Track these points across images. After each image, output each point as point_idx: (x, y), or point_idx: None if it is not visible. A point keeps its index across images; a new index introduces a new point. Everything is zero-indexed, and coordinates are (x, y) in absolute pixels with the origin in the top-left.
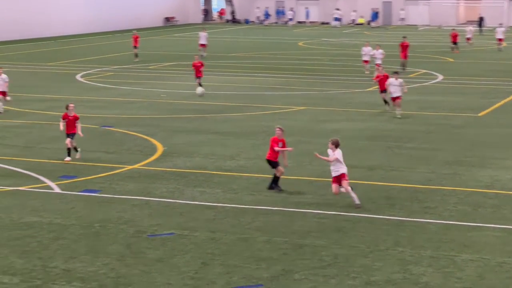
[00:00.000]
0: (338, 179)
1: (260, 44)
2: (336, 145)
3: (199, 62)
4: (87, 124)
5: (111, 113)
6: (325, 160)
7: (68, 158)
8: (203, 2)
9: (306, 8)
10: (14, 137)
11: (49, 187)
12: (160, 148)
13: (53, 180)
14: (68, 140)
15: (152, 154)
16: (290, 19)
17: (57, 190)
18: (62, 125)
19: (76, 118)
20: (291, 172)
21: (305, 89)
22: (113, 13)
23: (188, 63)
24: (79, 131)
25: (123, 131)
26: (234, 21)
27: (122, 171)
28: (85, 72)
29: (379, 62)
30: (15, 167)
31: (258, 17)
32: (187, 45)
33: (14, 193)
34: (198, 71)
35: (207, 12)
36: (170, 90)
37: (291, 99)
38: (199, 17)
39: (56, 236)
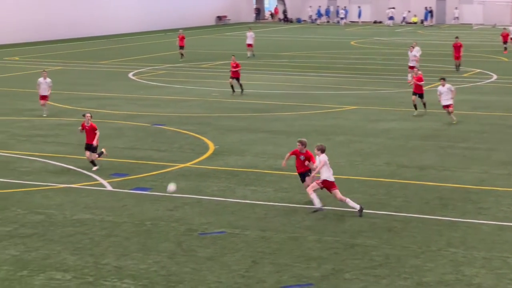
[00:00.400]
0: (324, 184)
1: (312, 43)
2: (322, 150)
3: (235, 63)
4: (139, 122)
5: (163, 112)
6: (313, 170)
7: (95, 168)
8: (255, 1)
9: (359, 7)
10: (67, 135)
11: (101, 185)
12: (211, 147)
13: (105, 178)
14: (87, 154)
15: (203, 153)
16: (342, 18)
17: (109, 187)
18: (79, 132)
19: (93, 128)
20: (342, 172)
21: (357, 88)
22: (165, 12)
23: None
24: (94, 141)
25: (175, 129)
26: (286, 20)
27: (173, 169)
28: (137, 71)
29: (412, 64)
30: (68, 164)
31: (310, 16)
32: (238, 44)
33: (67, 191)
34: (234, 71)
35: (259, 11)
36: (221, 89)
37: (343, 98)
38: (251, 16)
39: (108, 234)
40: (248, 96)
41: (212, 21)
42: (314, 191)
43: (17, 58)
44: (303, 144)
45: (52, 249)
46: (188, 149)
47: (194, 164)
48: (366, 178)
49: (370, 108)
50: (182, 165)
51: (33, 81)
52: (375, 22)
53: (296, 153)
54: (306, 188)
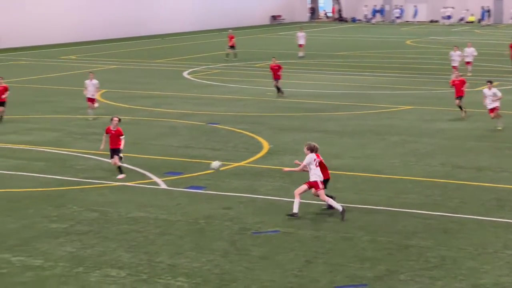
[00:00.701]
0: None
1: (367, 42)
2: (311, 150)
3: (277, 65)
4: (193, 121)
5: (217, 111)
6: (293, 171)
7: (121, 176)
8: (310, 0)
9: (415, 6)
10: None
11: (155, 183)
12: (266, 146)
13: (159, 176)
14: (114, 160)
15: (257, 152)
16: (397, 17)
17: (163, 186)
18: (104, 141)
19: (119, 133)
20: (396, 172)
21: (412, 88)
22: (220, 11)
23: (293, 61)
24: (122, 147)
25: (229, 128)
26: (341, 19)
27: (227, 168)
28: (192, 70)
29: (456, 64)
30: (123, 163)
31: (365, 16)
32: (292, 43)
33: (121, 189)
34: (275, 74)
35: (313, 10)
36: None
37: (398, 98)
38: (305, 16)
39: (162, 232)
40: (302, 95)
41: (266, 21)
42: (300, 194)
43: (73, 57)
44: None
45: (108, 246)
46: (242, 148)
47: (248, 163)
48: (421, 179)
49: (426, 108)
50: (237, 164)
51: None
52: (431, 21)
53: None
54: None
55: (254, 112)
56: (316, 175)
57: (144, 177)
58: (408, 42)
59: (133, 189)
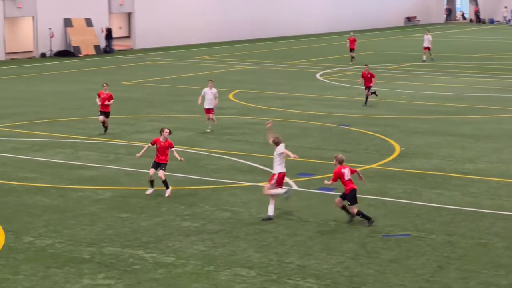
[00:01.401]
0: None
1: (506, 45)
2: (276, 143)
3: (369, 73)
4: (325, 123)
5: (349, 112)
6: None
7: (150, 191)
8: (446, 1)
9: None
10: (254, 133)
11: (287, 184)
12: (397, 149)
13: (290, 177)
14: (161, 173)
15: (389, 154)
16: None
17: (294, 187)
18: (144, 150)
19: (169, 145)
20: None
21: None
22: (354, 13)
23: (427, 63)
24: (177, 156)
25: (361, 130)
26: (478, 21)
27: (358, 170)
28: (325, 71)
29: None
30: (254, 163)
31: (504, 17)
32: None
33: (253, 189)
34: (368, 81)
35: (450, 12)
36: (409, 91)
37: None
38: (441, 17)
39: (293, 232)
40: (436, 98)
41: (401, 22)
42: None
43: (207, 57)
44: (337, 160)
45: (238, 246)
46: (374, 150)
47: (380, 165)
48: None
49: None
50: (368, 166)
51: (222, 79)
52: None
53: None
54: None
55: (386, 114)
56: (276, 167)
57: None
58: None
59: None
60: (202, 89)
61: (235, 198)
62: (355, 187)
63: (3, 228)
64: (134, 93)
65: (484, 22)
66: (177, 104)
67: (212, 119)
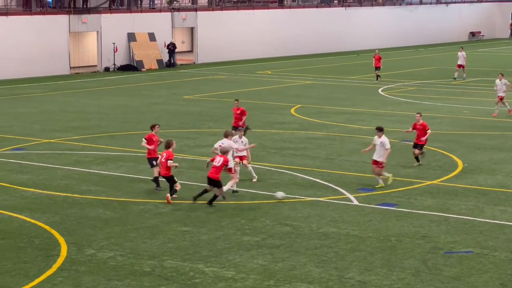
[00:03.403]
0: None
1: None
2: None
3: (422, 124)
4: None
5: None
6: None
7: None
8: (511, 16)
9: None
10: (316, 148)
11: (347, 199)
12: (460, 165)
13: (351, 192)
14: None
15: (452, 170)
16: None
17: (355, 202)
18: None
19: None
20: None
21: None
22: (417, 28)
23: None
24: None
25: None
26: None
27: (420, 186)
28: (387, 86)
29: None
30: (315, 178)
31: None
32: (491, 60)
33: (314, 204)
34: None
35: None
36: (472, 106)
37: None
38: (506, 32)
39: (353, 248)
40: (500, 114)
41: (465, 37)
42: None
43: (269, 72)
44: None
45: (298, 261)
46: (436, 166)
47: (442, 181)
48: None
49: None
50: (429, 182)
51: (284, 94)
52: None
53: None
54: None
55: (449, 130)
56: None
57: (336, 192)
58: None
59: (325, 204)
60: (264, 103)
61: (296, 212)
62: None
63: (65, 241)
64: (195, 107)
65: None
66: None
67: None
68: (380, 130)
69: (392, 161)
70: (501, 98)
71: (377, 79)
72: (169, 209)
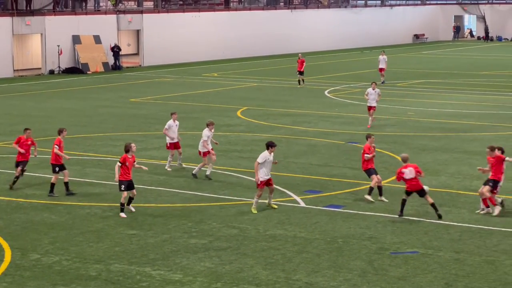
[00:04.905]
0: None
1: None
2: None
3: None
4: (333, 140)
5: (357, 130)
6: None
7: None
8: (454, 18)
9: None
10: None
11: (294, 201)
12: None
13: (298, 194)
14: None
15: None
16: None
17: (302, 204)
18: (117, 171)
19: (134, 160)
20: None
21: None
22: (362, 30)
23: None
24: (142, 167)
25: None
26: (487, 38)
27: (366, 187)
28: (333, 88)
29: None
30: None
31: None
32: (435, 62)
33: (260, 206)
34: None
35: (458, 29)
36: (417, 108)
37: None
38: (449, 34)
39: (300, 250)
40: (444, 115)
41: (409, 39)
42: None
43: (215, 74)
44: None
45: (245, 263)
46: (382, 167)
47: (388, 182)
48: None
49: None
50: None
51: (230, 96)
52: None
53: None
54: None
55: (394, 131)
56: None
57: (283, 194)
58: None
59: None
60: (210, 105)
61: (242, 215)
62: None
63: (9, 246)
64: (142, 110)
65: (492, 40)
66: (185, 121)
67: (214, 160)
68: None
69: (338, 163)
70: (373, 109)
71: (299, 84)
72: (115, 213)
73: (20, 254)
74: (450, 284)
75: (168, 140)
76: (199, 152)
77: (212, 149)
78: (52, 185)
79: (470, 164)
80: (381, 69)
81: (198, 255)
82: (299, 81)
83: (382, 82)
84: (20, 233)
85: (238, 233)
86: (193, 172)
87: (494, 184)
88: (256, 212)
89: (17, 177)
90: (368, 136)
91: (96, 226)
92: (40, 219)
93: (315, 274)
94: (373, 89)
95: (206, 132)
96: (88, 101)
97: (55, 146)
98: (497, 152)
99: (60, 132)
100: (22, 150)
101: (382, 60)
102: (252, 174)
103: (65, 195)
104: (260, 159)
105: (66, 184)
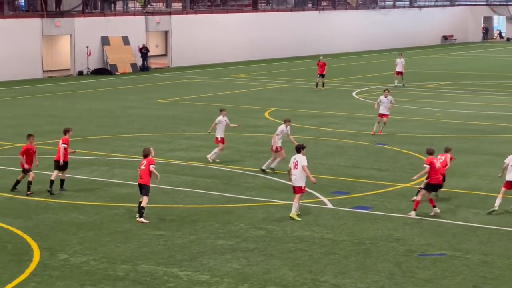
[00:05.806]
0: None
1: None
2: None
3: None
4: (361, 141)
5: (385, 131)
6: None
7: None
8: (483, 20)
9: None
10: (290, 152)
11: (322, 202)
12: None
13: (326, 195)
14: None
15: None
16: None
17: (329, 205)
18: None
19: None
20: None
21: None
22: (390, 31)
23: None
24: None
25: (397, 149)
26: None
27: (394, 189)
28: (361, 89)
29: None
30: (289, 181)
31: None
32: (464, 64)
33: (288, 207)
34: None
35: (487, 30)
36: (446, 110)
37: None
38: (478, 36)
39: (327, 251)
40: (472, 117)
41: (437, 41)
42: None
43: (243, 76)
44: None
45: (272, 264)
46: (410, 169)
47: (415, 184)
48: None
49: None
50: (403, 185)
51: (258, 98)
52: None
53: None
54: None
55: (422, 133)
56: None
57: (311, 196)
58: None
59: (299, 208)
60: (238, 106)
61: (270, 216)
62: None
63: (38, 246)
64: (169, 111)
65: None
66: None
67: (221, 149)
68: None
69: (366, 164)
70: (386, 116)
71: (316, 87)
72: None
73: (49, 254)
74: (478, 287)
75: (216, 135)
76: (271, 148)
77: (280, 146)
78: (52, 181)
79: (499, 166)
80: (398, 72)
81: (225, 256)
82: (317, 84)
83: (403, 85)
84: (48, 233)
85: (265, 234)
86: (262, 167)
87: None
88: (299, 219)
89: (18, 181)
90: (447, 150)
91: (124, 227)
92: (69, 219)
93: (342, 275)
94: (386, 97)
95: (281, 128)
96: (116, 102)
97: (63, 144)
98: None
99: (66, 131)
100: (27, 166)
101: (400, 63)
102: (281, 175)
103: (59, 191)
104: (304, 162)
105: (62, 181)
